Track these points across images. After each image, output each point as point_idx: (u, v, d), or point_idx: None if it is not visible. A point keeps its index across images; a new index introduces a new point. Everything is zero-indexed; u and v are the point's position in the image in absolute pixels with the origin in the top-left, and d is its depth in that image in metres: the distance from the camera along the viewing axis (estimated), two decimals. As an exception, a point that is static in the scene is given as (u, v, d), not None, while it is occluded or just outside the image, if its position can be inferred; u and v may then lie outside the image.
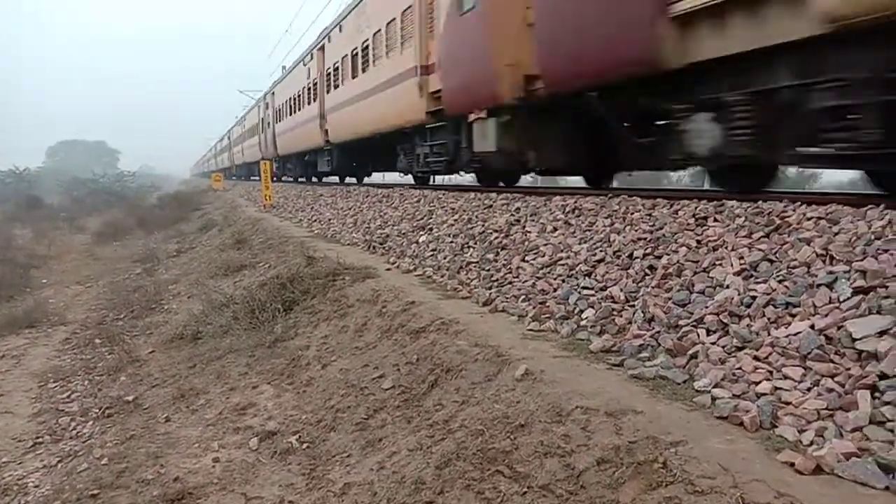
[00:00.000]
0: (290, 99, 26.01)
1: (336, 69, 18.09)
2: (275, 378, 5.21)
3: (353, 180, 21.90)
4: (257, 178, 26.99)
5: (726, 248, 3.85)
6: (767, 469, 2.09)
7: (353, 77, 16.17)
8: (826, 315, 2.83)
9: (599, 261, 4.54)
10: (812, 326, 2.79)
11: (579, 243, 5.01)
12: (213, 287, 8.49)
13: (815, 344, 2.67)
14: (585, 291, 4.19)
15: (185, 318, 7.76)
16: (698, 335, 3.19)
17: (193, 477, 4.01)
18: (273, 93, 31.06)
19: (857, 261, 3.05)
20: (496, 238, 6.04)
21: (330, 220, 11.44)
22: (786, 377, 2.64)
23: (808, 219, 3.78)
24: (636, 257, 4.30)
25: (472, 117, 8.96)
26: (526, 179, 15.55)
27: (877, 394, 2.34)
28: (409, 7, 11.91)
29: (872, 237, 3.22)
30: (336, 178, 23.11)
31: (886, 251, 3.03)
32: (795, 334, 2.80)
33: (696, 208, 4.70)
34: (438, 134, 11.17)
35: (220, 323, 6.76)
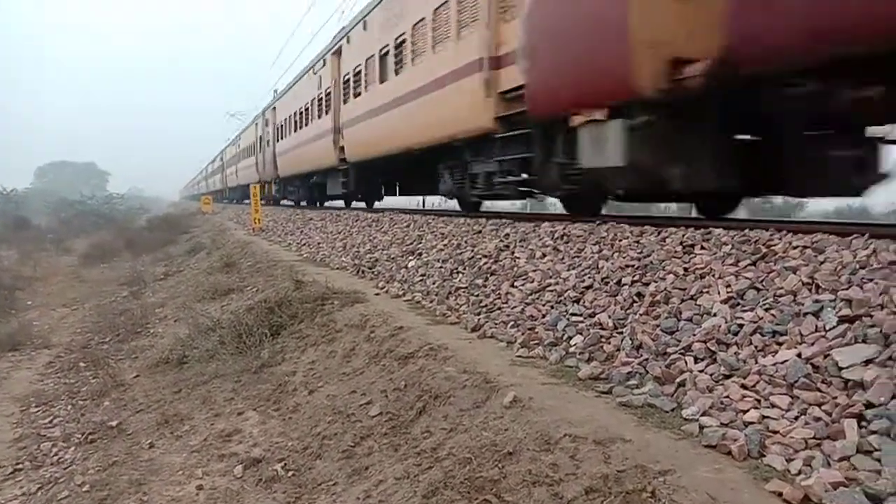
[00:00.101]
0: (294, 113, 22.95)
1: (357, 74, 15.18)
2: (261, 404, 5.15)
3: (361, 204, 19.50)
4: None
5: (713, 275, 3.87)
6: (755, 499, 2.09)
7: (382, 82, 13.38)
8: (812, 343, 2.84)
9: (588, 287, 4.55)
10: (799, 355, 2.80)
11: (568, 269, 5.02)
12: (200, 311, 8.42)
13: (801, 372, 2.68)
14: (574, 318, 4.19)
15: (171, 343, 7.67)
16: (686, 363, 3.20)
17: (176, 505, 3.94)
18: (274, 107, 27.96)
19: (842, 289, 3.08)
20: (485, 263, 6.04)
21: (319, 243, 11.42)
22: (773, 406, 2.64)
23: (794, 247, 3.82)
24: (624, 284, 4.32)
25: (577, 120, 6.53)
26: (506, 205, 14.92)
27: (863, 423, 2.35)
28: None
29: (857, 266, 3.26)
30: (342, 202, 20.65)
31: (871, 280, 3.06)
32: (782, 362, 2.81)
33: (683, 236, 4.73)
34: (510, 146, 8.44)
35: (206, 347, 6.69)
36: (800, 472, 2.24)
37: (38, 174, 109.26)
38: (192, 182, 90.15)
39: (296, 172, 23.43)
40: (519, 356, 3.93)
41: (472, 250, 6.64)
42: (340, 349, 5.26)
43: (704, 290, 3.75)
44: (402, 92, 11.93)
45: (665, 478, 2.23)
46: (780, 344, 2.98)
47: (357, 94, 15.23)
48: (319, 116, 19.07)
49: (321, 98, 18.89)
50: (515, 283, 5.23)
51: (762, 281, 3.56)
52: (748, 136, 6.17)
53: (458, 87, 9.47)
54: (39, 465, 5.24)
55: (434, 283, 6.16)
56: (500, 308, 4.92)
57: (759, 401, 2.71)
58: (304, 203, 24.49)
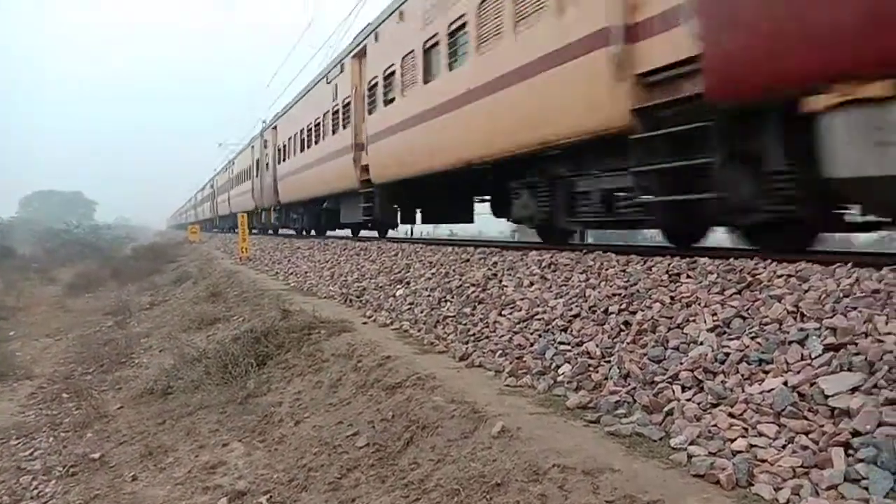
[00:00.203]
0: (301, 131, 20.07)
1: (389, 77, 12.46)
2: (246, 435, 5.09)
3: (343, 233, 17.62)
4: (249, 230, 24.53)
5: (699, 304, 3.90)
6: (744, 529, 2.07)
7: (427, 82, 10.73)
8: (798, 372, 2.86)
9: (575, 316, 4.56)
10: (785, 383, 2.81)
11: (555, 298, 5.03)
12: (185, 341, 8.35)
13: (788, 401, 2.69)
14: (562, 346, 4.19)
15: (155, 373, 7.59)
16: (674, 391, 3.20)
17: (159, 539, 3.87)
18: (275, 126, 25.12)
19: (827, 318, 3.11)
20: (473, 292, 6.04)
21: (307, 272, 11.39)
22: (761, 434, 2.64)
23: (779, 276, 3.86)
24: (611, 313, 4.33)
25: (821, 102, 4.07)
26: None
27: (850, 451, 2.35)
28: None
29: (841, 295, 3.29)
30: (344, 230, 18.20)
31: (855, 308, 3.09)
32: (769, 391, 2.82)
33: (669, 265, 4.76)
34: (655, 149, 5.70)
35: (191, 378, 6.62)
36: (788, 502, 2.24)
37: (24, 203, 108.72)
38: (180, 211, 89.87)
39: (301, 198, 20.54)
40: (507, 385, 3.91)
41: (461, 279, 6.64)
42: (327, 379, 5.22)
43: (691, 319, 3.77)
44: (458, 91, 9.36)
45: (654, 508, 2.22)
46: (766, 372, 2.99)
47: (388, 101, 12.56)
48: (334, 132, 16.38)
49: (336, 111, 16.20)
50: (503, 312, 5.22)
51: (748, 309, 3.58)
52: None
53: (562, 72, 6.87)
54: (18, 500, 5.13)
55: (422, 312, 6.15)
56: (488, 337, 4.92)
57: (746, 429, 2.71)
58: (311, 232, 21.56)
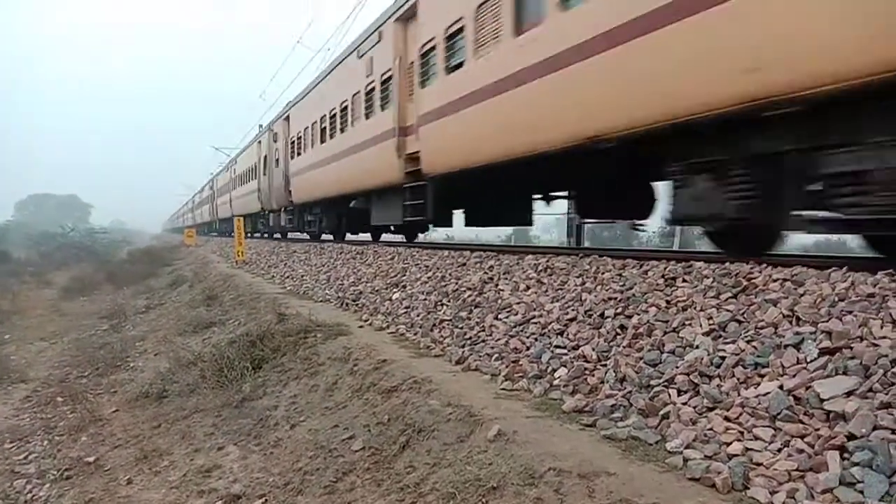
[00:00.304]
0: (322, 118, 16.82)
1: (453, 36, 9.47)
2: (241, 439, 5.07)
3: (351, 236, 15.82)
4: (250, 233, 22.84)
5: (695, 308, 3.90)
6: (740, 532, 2.07)
7: (520, 32, 7.59)
8: (794, 375, 2.86)
9: (571, 319, 4.56)
10: (781, 387, 2.81)
11: (551, 302, 5.03)
12: (181, 344, 8.33)
13: (784, 404, 2.69)
14: (558, 350, 4.19)
15: (151, 377, 7.57)
16: (669, 395, 3.20)
17: (153, 543, 3.85)
18: (287, 117, 21.45)
19: (822, 322, 3.11)
20: (469, 296, 6.04)
21: (303, 276, 11.37)
22: (756, 438, 2.65)
23: (774, 280, 3.86)
24: (607, 317, 4.33)
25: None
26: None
27: (846, 454, 2.35)
28: None
29: (836, 299, 3.30)
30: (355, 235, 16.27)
31: (850, 312, 3.09)
32: (765, 394, 2.82)
33: (664, 269, 4.77)
34: None
35: (186, 381, 6.61)
36: (784, 505, 2.24)
37: (19, 207, 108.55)
38: (177, 214, 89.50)
39: (321, 197, 17.45)
40: (503, 389, 3.91)
41: (457, 283, 6.64)
42: (323, 383, 5.21)
43: (687, 323, 3.77)
44: (579, 39, 6.34)
45: (650, 511, 2.22)
46: (762, 376, 2.99)
47: (453, 68, 9.56)
48: (368, 116, 13.39)
49: (371, 89, 13.13)
50: (500, 316, 5.22)
51: (743, 313, 3.58)
52: None
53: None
54: (12, 503, 5.11)
55: (418, 316, 6.14)
56: (484, 340, 4.91)
57: (742, 433, 2.71)
58: (333, 236, 18.58)
